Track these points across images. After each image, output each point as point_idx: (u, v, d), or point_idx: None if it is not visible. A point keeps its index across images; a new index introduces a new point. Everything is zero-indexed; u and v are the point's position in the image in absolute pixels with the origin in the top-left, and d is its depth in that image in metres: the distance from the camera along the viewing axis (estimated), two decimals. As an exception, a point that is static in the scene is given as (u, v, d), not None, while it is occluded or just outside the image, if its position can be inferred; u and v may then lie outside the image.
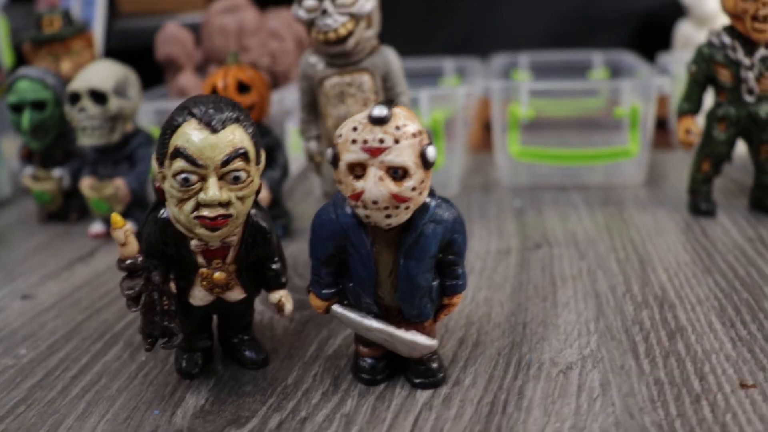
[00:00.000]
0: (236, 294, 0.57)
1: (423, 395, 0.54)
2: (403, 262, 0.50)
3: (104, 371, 0.61)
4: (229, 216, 0.51)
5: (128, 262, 0.51)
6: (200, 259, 0.55)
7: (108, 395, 0.57)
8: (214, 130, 0.50)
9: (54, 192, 0.98)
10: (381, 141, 0.46)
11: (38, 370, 0.62)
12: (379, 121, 0.46)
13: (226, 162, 0.50)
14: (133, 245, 0.51)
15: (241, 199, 0.52)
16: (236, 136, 0.51)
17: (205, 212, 0.51)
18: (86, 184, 0.92)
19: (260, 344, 0.61)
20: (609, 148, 0.98)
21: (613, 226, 0.86)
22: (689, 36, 1.28)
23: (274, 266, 0.58)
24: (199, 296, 0.56)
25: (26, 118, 0.93)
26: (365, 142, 0.47)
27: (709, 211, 0.87)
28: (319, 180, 0.87)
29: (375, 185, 0.46)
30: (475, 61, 1.27)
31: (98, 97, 0.88)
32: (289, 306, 0.58)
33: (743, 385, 0.53)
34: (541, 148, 0.99)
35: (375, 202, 0.47)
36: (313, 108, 0.82)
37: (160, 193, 0.54)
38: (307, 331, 0.65)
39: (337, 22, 0.73)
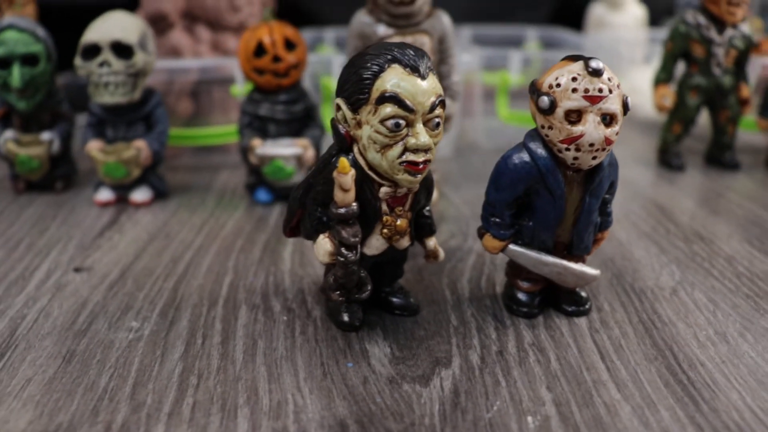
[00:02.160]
0: (406, 241, 0.59)
1: (581, 322, 0.61)
2: (588, 200, 0.57)
3: (253, 334, 0.59)
4: (429, 161, 0.54)
5: (348, 209, 0.52)
6: (384, 207, 0.56)
7: (280, 356, 0.56)
8: (423, 77, 0.52)
9: (43, 158, 0.88)
10: (600, 90, 0.52)
11: (173, 340, 0.58)
12: (597, 73, 0.52)
13: (432, 108, 0.52)
14: (353, 192, 0.52)
15: (435, 144, 0.54)
16: (437, 84, 0.53)
17: (412, 157, 0.52)
18: (95, 146, 0.85)
19: (408, 291, 0.63)
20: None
21: (612, 180, 0.99)
22: (602, 18, 1.46)
23: (427, 213, 0.61)
24: (375, 245, 0.57)
25: (17, 73, 0.83)
26: (586, 90, 0.52)
27: (679, 166, 1.02)
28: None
29: (594, 129, 0.52)
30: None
31: (123, 50, 0.81)
32: (442, 252, 0.62)
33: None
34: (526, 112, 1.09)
35: (591, 145, 0.52)
36: (362, 68, 0.84)
37: (348, 139, 0.54)
38: (428, 278, 0.69)
39: (413, -15, 0.76)
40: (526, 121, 1.09)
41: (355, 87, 0.52)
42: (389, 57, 0.52)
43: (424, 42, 0.81)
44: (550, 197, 0.56)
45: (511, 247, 0.59)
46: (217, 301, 0.65)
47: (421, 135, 0.52)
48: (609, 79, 0.52)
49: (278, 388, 0.52)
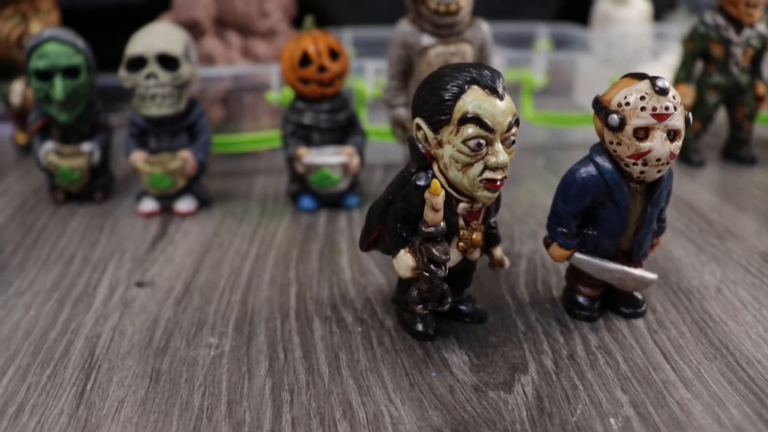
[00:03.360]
0: (477, 253, 0.62)
1: (639, 323, 0.64)
2: (650, 210, 0.60)
3: (332, 347, 0.61)
4: (505, 178, 0.56)
5: (437, 228, 0.54)
6: (461, 221, 0.59)
7: (365, 368, 0.58)
8: (501, 97, 0.54)
9: (84, 169, 0.89)
10: (666, 108, 0.55)
11: (255, 356, 0.60)
12: (664, 92, 0.55)
13: (509, 127, 0.55)
14: (442, 212, 0.54)
15: (511, 160, 0.57)
16: (512, 103, 0.56)
17: (491, 175, 0.55)
18: (140, 157, 0.86)
19: (475, 299, 0.66)
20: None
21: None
22: (608, 13, 1.49)
23: (494, 224, 0.63)
24: (451, 258, 0.60)
25: (59, 86, 0.83)
26: (654, 109, 0.55)
27: (700, 162, 1.06)
28: (402, 146, 0.91)
29: (662, 145, 0.55)
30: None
31: (168, 62, 0.82)
32: (507, 261, 0.65)
33: None
34: (552, 111, 1.12)
35: (659, 160, 0.56)
36: (404, 76, 0.86)
37: (429, 158, 0.57)
38: (488, 285, 0.71)
39: (459, -5, 0.78)
40: (552, 120, 1.12)
41: (436, 108, 0.54)
42: (468, 78, 0.54)
43: (466, 51, 0.83)
44: (615, 208, 0.59)
45: (577, 255, 0.62)
46: (289, 313, 0.67)
47: (500, 153, 0.54)
48: (674, 97, 0.56)
49: (370, 401, 0.54)
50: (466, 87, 0.54)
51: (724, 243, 0.81)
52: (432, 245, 0.55)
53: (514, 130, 0.55)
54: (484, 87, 0.54)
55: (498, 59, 1.03)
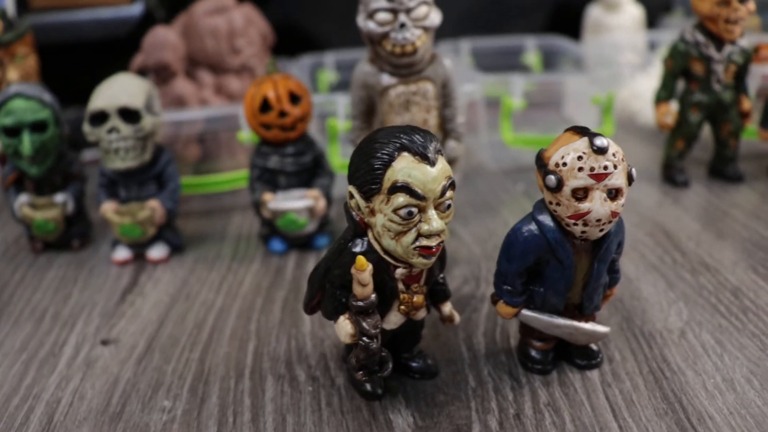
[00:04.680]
0: (422, 313, 0.61)
1: (594, 375, 0.63)
2: (597, 266, 0.58)
3: (281, 409, 0.61)
4: (442, 242, 0.56)
5: (367, 302, 0.54)
6: (401, 286, 0.58)
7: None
8: (432, 163, 0.53)
9: (58, 219, 0.91)
10: (605, 168, 0.53)
11: (205, 420, 0.61)
12: (602, 151, 0.53)
13: (443, 192, 0.54)
14: (371, 285, 0.54)
15: (447, 224, 0.56)
16: (445, 167, 0.55)
17: (426, 242, 0.54)
18: (110, 208, 0.87)
19: (427, 354, 0.66)
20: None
21: (617, 202, 1.00)
22: (599, 20, 1.46)
23: (441, 279, 0.63)
24: (393, 321, 0.60)
25: (27, 141, 0.85)
26: (592, 169, 0.53)
27: (684, 182, 1.04)
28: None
29: (601, 206, 0.54)
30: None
31: (130, 115, 0.83)
32: (457, 316, 0.64)
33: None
34: (531, 134, 1.10)
35: (599, 220, 0.54)
36: (367, 116, 0.85)
37: (362, 226, 0.56)
38: (445, 335, 0.71)
39: (414, 35, 0.77)
40: (531, 143, 1.10)
41: (366, 177, 0.54)
42: (398, 144, 0.53)
43: (428, 89, 0.82)
44: (560, 266, 0.58)
45: (524, 312, 0.61)
46: (244, 372, 0.67)
47: (433, 221, 0.54)
48: (614, 155, 0.54)
49: (312, 469, 0.54)
50: (396, 154, 0.53)
51: (696, 278, 0.79)
52: (362, 318, 0.54)
53: (449, 194, 0.55)
54: (414, 153, 0.53)
55: (471, 86, 1.01)
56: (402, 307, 0.59)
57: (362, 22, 0.78)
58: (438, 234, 0.54)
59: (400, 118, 0.82)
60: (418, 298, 0.59)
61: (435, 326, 0.72)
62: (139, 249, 0.90)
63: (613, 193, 0.55)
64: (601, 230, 0.56)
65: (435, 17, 0.78)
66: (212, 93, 1.05)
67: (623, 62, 1.29)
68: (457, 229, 0.94)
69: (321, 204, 0.86)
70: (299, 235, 0.88)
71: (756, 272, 0.79)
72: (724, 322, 0.70)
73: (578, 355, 0.64)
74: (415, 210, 0.53)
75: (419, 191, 0.53)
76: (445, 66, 0.83)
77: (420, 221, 0.54)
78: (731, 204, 0.97)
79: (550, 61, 1.39)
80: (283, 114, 0.83)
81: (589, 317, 0.63)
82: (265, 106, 0.84)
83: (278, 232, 0.89)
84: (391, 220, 0.53)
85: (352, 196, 0.55)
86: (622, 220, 0.60)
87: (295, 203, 0.85)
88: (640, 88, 1.28)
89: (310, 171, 0.88)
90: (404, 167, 0.53)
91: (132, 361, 0.70)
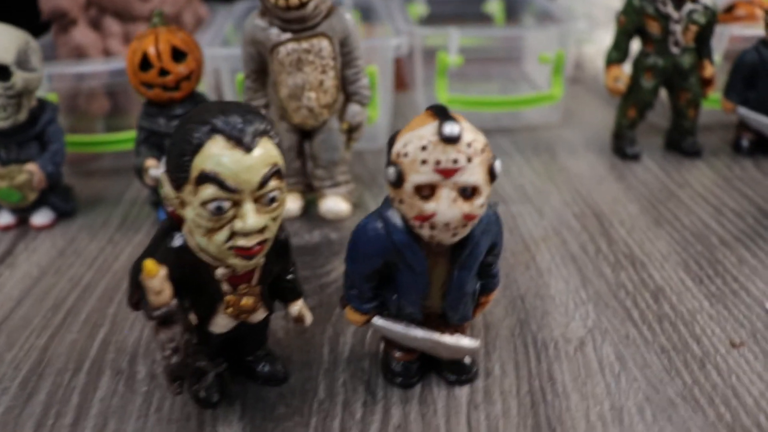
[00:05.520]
0: (260, 314, 0.53)
1: (463, 392, 0.55)
2: (458, 273, 0.50)
3: (107, 412, 0.55)
4: (266, 241, 0.47)
5: (164, 310, 0.46)
6: (225, 287, 0.50)
7: (127, 440, 0.52)
8: (248, 149, 0.45)
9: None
10: (455, 161, 0.44)
11: (24, 420, 0.54)
12: (452, 140, 0.44)
13: (263, 184, 0.45)
14: (168, 290, 0.46)
15: (274, 219, 0.48)
16: (269, 152, 0.46)
17: (242, 242, 0.46)
18: (-15, 170, 0.79)
19: (276, 357, 0.58)
20: (534, 94, 1.01)
21: (555, 176, 0.90)
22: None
23: (289, 276, 0.55)
24: (221, 324, 0.52)
25: None
26: (438, 162, 0.44)
27: (635, 155, 0.93)
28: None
29: (449, 208, 0.45)
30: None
31: (-2, 71, 0.75)
32: (309, 317, 0.56)
33: (733, 345, 0.59)
34: (468, 96, 1.00)
35: (447, 224, 0.45)
36: (260, 75, 0.76)
37: (175, 218, 0.48)
38: (310, 331, 0.63)
39: (300, -15, 0.67)
40: (469, 104, 1.00)
41: (174, 161, 0.46)
42: (209, 127, 0.45)
43: (323, 46, 0.72)
44: (410, 272, 0.49)
45: (375, 321, 0.53)
46: (83, 364, 0.60)
47: (248, 217, 0.45)
48: (468, 145, 0.45)
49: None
50: (206, 139, 0.44)
51: (617, 274, 0.70)
52: (160, 330, 0.47)
53: (272, 184, 0.46)
54: (228, 137, 0.44)
55: (397, 40, 0.91)
56: (229, 309, 0.51)
57: (245, -32, 0.68)
58: (257, 232, 0.46)
59: (292, 79, 0.73)
60: (246, 301, 0.51)
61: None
62: (23, 214, 0.83)
63: (468, 192, 0.45)
64: (455, 234, 0.47)
65: (328, -36, 0.68)
66: (120, 43, 0.95)
67: (599, 18, 1.17)
68: (367, 202, 0.85)
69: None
70: (189, 206, 0.80)
71: (686, 270, 0.70)
72: (634, 331, 0.62)
73: (449, 369, 0.56)
74: (226, 204, 0.45)
75: (229, 183, 0.44)
76: (345, 20, 0.73)
77: (234, 216, 0.45)
78: (681, 183, 0.87)
79: (514, 10, 1.27)
80: (164, 72, 0.74)
81: (457, 327, 0.54)
82: (145, 63, 0.74)
83: (168, 201, 0.81)
84: (200, 215, 0.45)
85: (162, 184, 0.47)
86: (497, 218, 0.51)
87: (179, 172, 0.76)
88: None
89: (203, 135, 0.79)
90: (214, 154, 0.44)
91: (-26, 345, 0.64)
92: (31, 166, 0.79)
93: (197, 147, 0.45)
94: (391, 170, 0.45)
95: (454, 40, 0.94)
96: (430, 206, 0.45)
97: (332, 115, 0.76)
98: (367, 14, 1.21)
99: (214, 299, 0.51)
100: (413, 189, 0.45)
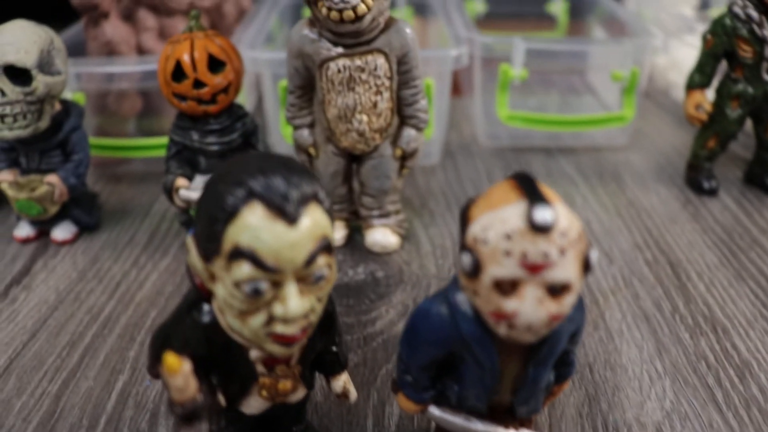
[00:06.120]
0: (299, 394, 0.47)
1: (524, 490, 0.48)
2: (533, 370, 0.42)
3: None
4: (310, 324, 0.40)
5: (188, 407, 0.39)
6: (260, 368, 0.44)
7: None
8: (292, 220, 0.37)
9: (-46, 184, 0.78)
10: (545, 255, 0.36)
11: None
12: (544, 230, 0.36)
13: (309, 262, 0.38)
14: (193, 385, 0.39)
15: (321, 299, 0.41)
16: (317, 222, 0.38)
17: (282, 328, 0.39)
18: (6, 178, 0.73)
19: (315, 431, 0.52)
20: (603, 114, 0.92)
21: (623, 211, 0.82)
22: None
23: (334, 348, 0.48)
24: (254, 405, 0.45)
25: None
26: (524, 256, 0.36)
27: (712, 190, 0.84)
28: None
29: (533, 309, 0.37)
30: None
31: (18, 74, 0.68)
32: (353, 393, 0.49)
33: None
34: (532, 113, 0.91)
35: (530, 326, 0.38)
36: (306, 91, 0.69)
37: (203, 290, 0.41)
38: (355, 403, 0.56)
39: (357, -4, 0.59)
40: (533, 122, 0.91)
41: (205, 230, 0.38)
42: (246, 190, 0.37)
43: (379, 64, 0.64)
44: (477, 367, 0.42)
45: (432, 410, 0.46)
46: (99, 420, 0.54)
47: (290, 301, 0.38)
48: (562, 234, 0.37)
49: None
50: (242, 205, 0.37)
51: (696, 341, 0.62)
52: (183, 426, 0.40)
53: (320, 261, 0.39)
54: (268, 205, 0.37)
55: (456, 51, 0.82)
56: (264, 392, 0.44)
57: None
58: (299, 319, 0.39)
59: (342, 99, 0.65)
60: (284, 384, 0.44)
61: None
62: (43, 225, 0.77)
63: (557, 290, 0.38)
64: (537, 335, 0.39)
65: (389, -26, 0.60)
66: (154, 38, 0.88)
67: (669, 26, 1.06)
68: (416, 230, 0.77)
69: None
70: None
71: (775, 339, 0.62)
72: (718, 419, 0.54)
73: (508, 458, 0.49)
74: (264, 285, 0.37)
75: (269, 262, 0.37)
76: (405, 35, 0.65)
77: (274, 298, 0.38)
78: (764, 227, 0.78)
79: (578, 11, 1.17)
80: (199, 84, 0.67)
81: (524, 421, 0.47)
82: (178, 72, 0.67)
83: (199, 223, 0.74)
84: (233, 295, 0.38)
85: (189, 250, 0.40)
86: (582, 302, 0.44)
87: (211, 195, 0.69)
88: (680, 55, 1.05)
89: (239, 151, 0.72)
90: (251, 226, 0.37)
91: (-17, 385, 0.58)
92: (53, 178, 0.72)
93: (231, 214, 0.37)
94: (467, 258, 0.38)
95: (519, 52, 0.85)
96: (511, 304, 0.38)
97: (385, 140, 0.69)
98: (421, 9, 1.13)
99: (247, 380, 0.44)
100: (492, 283, 0.38)
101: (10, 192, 0.73)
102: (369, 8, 0.60)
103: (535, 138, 0.96)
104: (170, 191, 0.71)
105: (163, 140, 0.85)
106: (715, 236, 0.77)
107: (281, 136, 0.88)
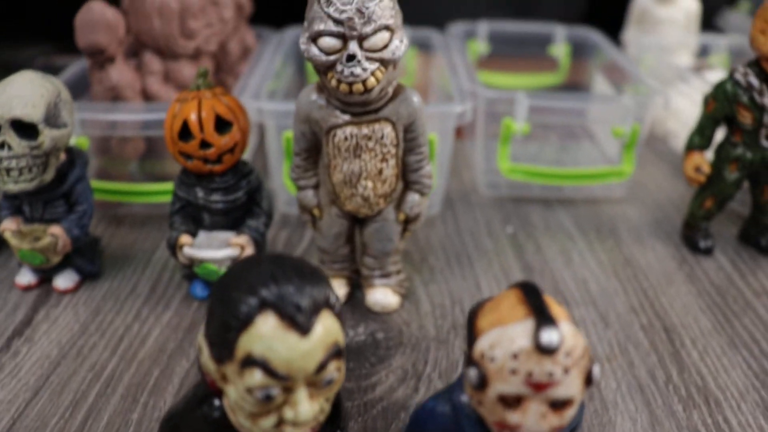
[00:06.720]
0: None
1: None
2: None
3: None
4: (319, 424, 0.42)
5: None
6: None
7: None
8: (304, 330, 0.38)
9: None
10: (550, 375, 0.38)
11: None
12: (550, 352, 0.37)
13: (320, 369, 0.39)
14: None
15: (329, 399, 0.42)
16: (329, 330, 0.40)
17: (292, 430, 0.40)
18: (9, 227, 0.73)
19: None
20: (603, 169, 0.93)
21: (620, 269, 0.83)
22: (645, 11, 1.23)
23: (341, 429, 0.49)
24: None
25: None
26: (530, 375, 0.38)
27: (707, 249, 0.86)
28: (315, 234, 0.75)
29: (536, 423, 0.39)
30: (434, 31, 1.14)
31: (24, 129, 0.68)
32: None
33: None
34: (533, 166, 0.92)
35: (531, 440, 0.39)
36: (312, 154, 0.70)
37: (213, 387, 0.43)
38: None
39: (366, 71, 0.60)
40: (533, 176, 0.92)
41: (218, 335, 0.40)
42: (258, 300, 0.38)
43: (386, 132, 0.65)
44: (480, 466, 0.43)
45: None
46: (102, 490, 0.55)
47: (301, 406, 0.40)
48: (567, 354, 0.38)
49: None
50: (256, 314, 0.38)
51: (689, 413, 0.63)
52: None
53: (331, 367, 0.40)
54: (281, 315, 0.38)
55: (461, 107, 0.83)
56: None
57: (304, 44, 0.61)
58: (307, 424, 0.40)
59: (347, 164, 0.66)
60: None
61: (365, 428, 0.59)
62: (45, 273, 0.78)
63: (559, 404, 0.39)
64: (537, 442, 0.40)
65: (398, 48, 0.61)
66: (160, 82, 0.88)
67: (668, 74, 1.08)
68: (416, 289, 0.78)
69: (248, 254, 0.71)
70: (224, 285, 0.74)
71: (766, 414, 0.63)
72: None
73: None
74: (275, 392, 0.39)
75: (281, 371, 0.38)
76: (413, 104, 0.66)
77: (284, 402, 0.40)
78: (758, 290, 0.80)
79: (580, 54, 1.18)
80: (205, 144, 0.68)
81: None
82: (185, 132, 0.68)
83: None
84: (244, 399, 0.40)
85: (201, 350, 0.41)
86: (583, 407, 0.45)
87: (214, 253, 0.70)
88: (679, 105, 1.07)
89: (243, 208, 0.73)
90: (264, 336, 0.38)
91: (-16, 448, 0.58)
92: (56, 230, 0.73)
93: (244, 323, 0.39)
94: (473, 373, 0.39)
95: (522, 107, 0.87)
96: (514, 417, 0.39)
97: (389, 204, 0.70)
98: (424, 46, 1.14)
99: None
100: (497, 397, 0.39)
101: (13, 241, 0.73)
102: (378, 81, 0.61)
103: (535, 189, 0.97)
104: (174, 248, 0.72)
105: (166, 186, 0.86)
106: (709, 299, 0.78)
107: (284, 185, 0.89)
